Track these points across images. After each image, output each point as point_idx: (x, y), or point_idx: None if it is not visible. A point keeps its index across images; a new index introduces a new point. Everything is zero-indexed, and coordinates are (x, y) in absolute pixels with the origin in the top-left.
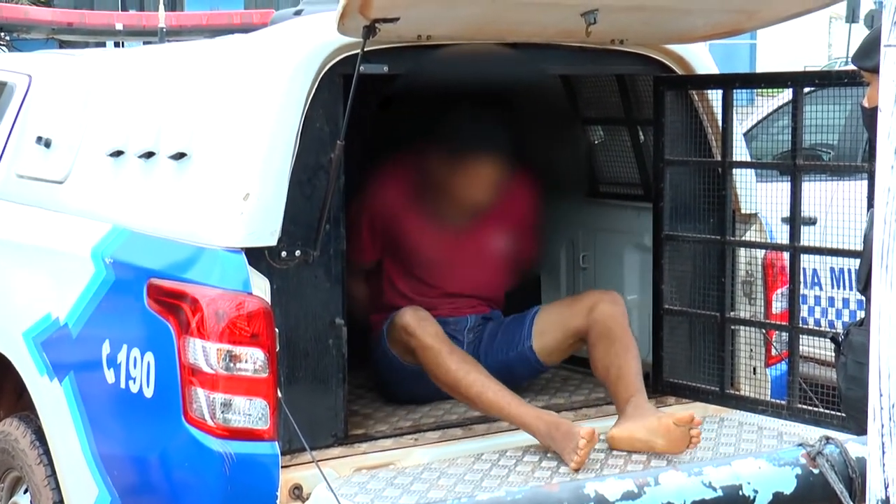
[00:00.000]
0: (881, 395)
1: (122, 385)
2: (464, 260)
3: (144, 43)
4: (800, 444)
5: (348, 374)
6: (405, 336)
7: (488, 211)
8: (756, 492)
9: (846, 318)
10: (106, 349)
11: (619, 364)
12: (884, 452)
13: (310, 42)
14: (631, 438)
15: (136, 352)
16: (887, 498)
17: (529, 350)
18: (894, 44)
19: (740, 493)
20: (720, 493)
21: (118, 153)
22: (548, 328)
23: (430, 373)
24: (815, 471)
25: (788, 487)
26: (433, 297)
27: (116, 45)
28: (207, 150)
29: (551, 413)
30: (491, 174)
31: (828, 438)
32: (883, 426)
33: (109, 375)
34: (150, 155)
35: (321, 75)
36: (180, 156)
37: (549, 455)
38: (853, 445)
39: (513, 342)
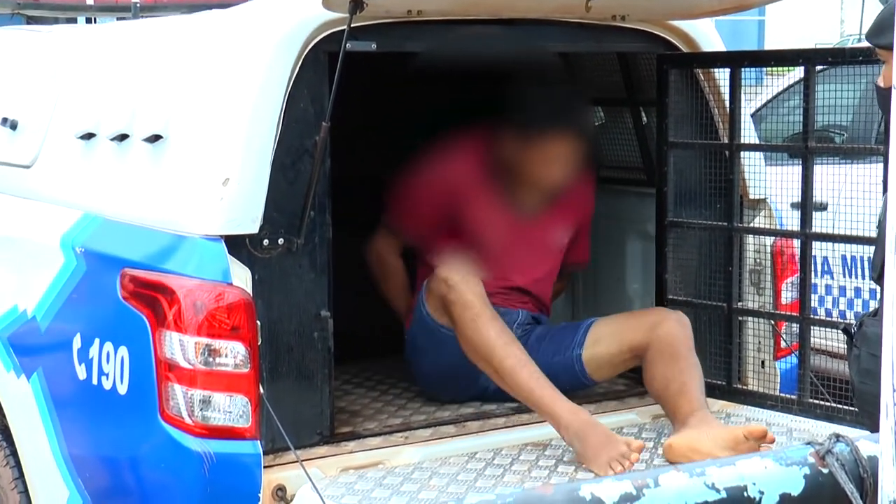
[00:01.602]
0: (894, 391)
1: (95, 381)
2: (526, 252)
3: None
4: (808, 443)
5: (335, 369)
6: (444, 289)
7: (557, 201)
8: (762, 493)
9: (859, 309)
10: (77, 343)
11: (682, 380)
12: None
13: (293, 18)
14: (690, 448)
15: (109, 346)
16: None
17: (577, 359)
18: None
19: (745, 494)
20: (724, 494)
21: (89, 135)
22: (603, 338)
23: (464, 335)
24: (825, 470)
25: (796, 488)
26: (487, 287)
27: (88, 21)
28: (185, 133)
29: (587, 412)
30: (568, 153)
31: (838, 436)
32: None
33: (81, 371)
34: (123, 137)
35: (305, 53)
36: (156, 138)
37: (546, 454)
38: (865, 443)
39: (561, 347)
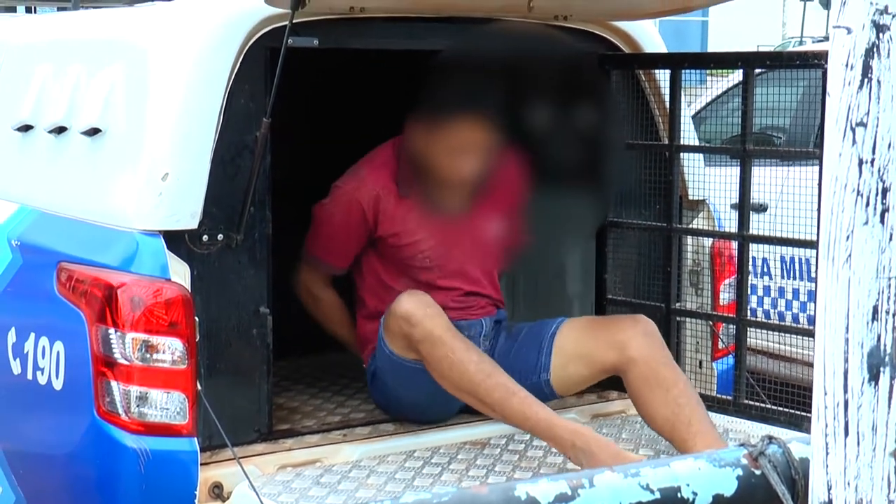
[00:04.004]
0: (825, 394)
1: (29, 376)
2: (464, 252)
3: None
4: (741, 444)
5: (274, 366)
6: (406, 327)
7: (485, 192)
8: (695, 494)
9: (796, 310)
10: (11, 338)
11: (688, 415)
12: (827, 453)
13: (234, 12)
14: None
15: (44, 341)
16: (830, 500)
17: (546, 384)
18: (843, 25)
19: (679, 495)
20: (658, 495)
21: (27, 127)
22: (571, 360)
23: (440, 372)
24: (758, 472)
25: (729, 489)
26: (441, 298)
27: (28, 10)
28: (124, 126)
29: (590, 429)
30: (473, 141)
31: (771, 438)
32: (827, 426)
33: (15, 366)
34: (61, 130)
35: (246, 48)
36: (94, 131)
37: (484, 452)
38: (797, 445)
39: (526, 371)
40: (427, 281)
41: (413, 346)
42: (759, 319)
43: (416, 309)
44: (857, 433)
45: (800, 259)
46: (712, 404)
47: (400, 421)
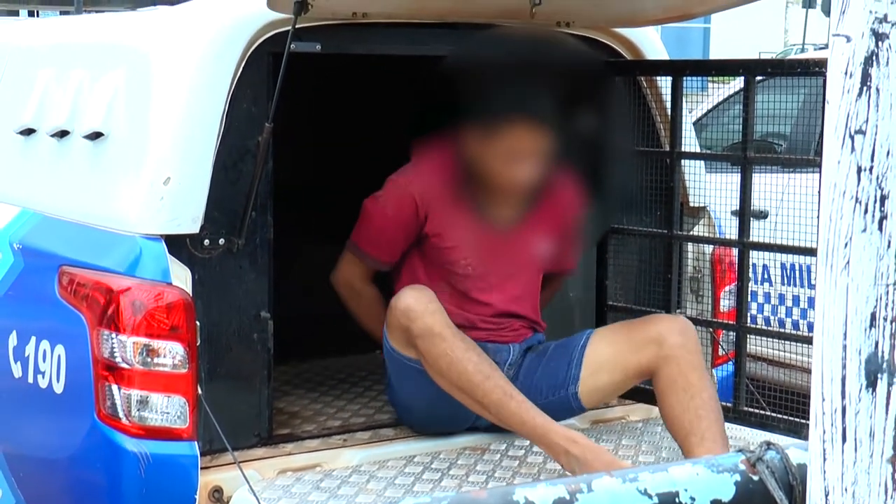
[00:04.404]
0: (823, 400)
1: (30, 380)
2: (505, 269)
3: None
4: (740, 450)
5: (274, 371)
6: (405, 321)
7: (537, 207)
8: (693, 499)
9: (797, 317)
10: (13, 341)
11: (703, 429)
12: (825, 459)
13: (237, 17)
14: None
15: (45, 344)
16: None
17: (574, 396)
18: (842, 33)
19: (677, 500)
20: (656, 500)
21: (29, 131)
22: (602, 367)
23: (437, 370)
24: (755, 477)
25: (727, 495)
26: (477, 315)
27: (31, 14)
28: (126, 130)
29: (584, 437)
30: (529, 146)
31: (769, 444)
32: (825, 432)
33: (16, 369)
34: (63, 134)
35: (249, 52)
36: (96, 135)
37: (484, 458)
38: (795, 451)
39: (555, 385)
40: (464, 290)
41: (412, 342)
42: (759, 326)
43: (416, 303)
44: (855, 439)
45: (800, 266)
46: None
47: (401, 426)
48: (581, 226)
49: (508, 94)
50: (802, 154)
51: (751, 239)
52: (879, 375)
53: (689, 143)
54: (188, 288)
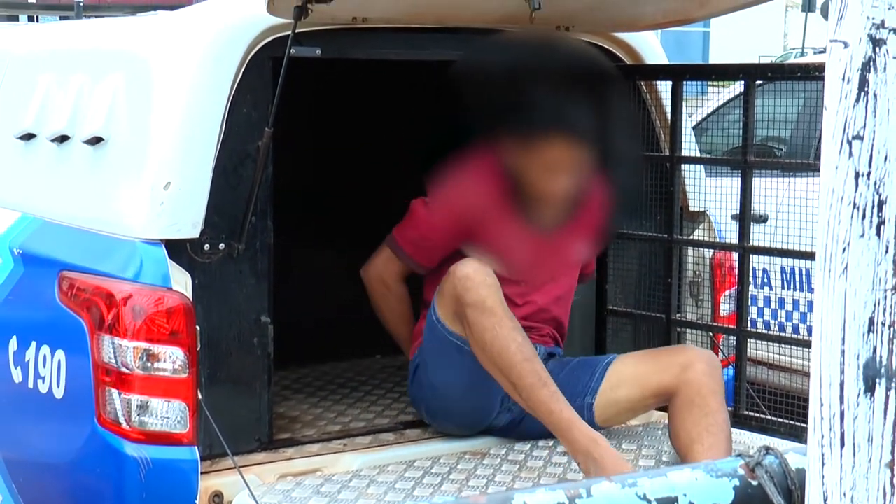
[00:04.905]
0: (822, 405)
1: (30, 385)
2: (547, 269)
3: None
4: (739, 455)
5: (274, 375)
6: (460, 289)
7: (578, 211)
8: None
9: (797, 321)
10: (13, 346)
11: (710, 444)
12: (823, 464)
13: (236, 22)
14: None
15: (45, 349)
16: None
17: (588, 408)
18: (840, 39)
19: None
20: None
21: (29, 136)
22: (623, 382)
23: (481, 340)
24: (754, 482)
25: (726, 499)
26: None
27: (30, 19)
28: (126, 135)
29: (607, 441)
30: (568, 158)
31: (768, 449)
32: (823, 437)
33: (16, 374)
34: (63, 139)
35: (249, 57)
36: (97, 140)
37: (484, 463)
38: (793, 456)
39: (573, 393)
40: (506, 294)
41: (461, 313)
42: (759, 330)
43: (475, 273)
44: (853, 444)
45: (800, 270)
46: None
47: (400, 430)
48: (605, 228)
49: (545, 108)
50: (802, 158)
51: (751, 243)
52: (878, 380)
53: (689, 147)
54: (188, 293)
